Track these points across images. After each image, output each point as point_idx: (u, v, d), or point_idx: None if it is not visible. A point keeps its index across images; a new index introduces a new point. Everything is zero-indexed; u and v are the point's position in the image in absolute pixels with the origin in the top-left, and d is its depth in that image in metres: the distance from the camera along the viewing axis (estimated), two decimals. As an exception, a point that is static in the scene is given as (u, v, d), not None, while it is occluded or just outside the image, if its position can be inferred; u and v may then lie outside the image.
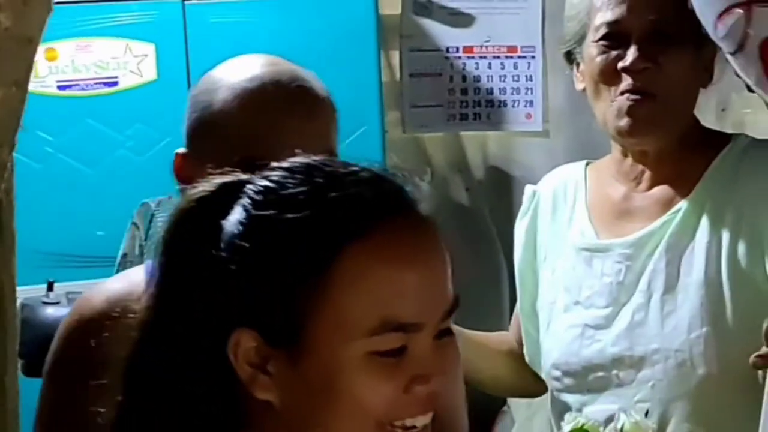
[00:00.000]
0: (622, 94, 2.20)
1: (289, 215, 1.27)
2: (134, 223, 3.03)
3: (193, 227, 1.31)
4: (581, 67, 2.30)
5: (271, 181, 1.31)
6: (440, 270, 1.33)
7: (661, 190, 2.21)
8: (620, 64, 2.19)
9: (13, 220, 1.93)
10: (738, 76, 2.17)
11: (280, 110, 1.92)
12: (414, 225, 1.31)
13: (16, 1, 1.44)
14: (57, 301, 2.87)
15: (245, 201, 1.29)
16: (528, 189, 2.50)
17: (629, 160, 2.28)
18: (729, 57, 2.13)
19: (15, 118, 1.52)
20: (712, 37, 2.13)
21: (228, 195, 1.32)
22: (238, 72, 1.94)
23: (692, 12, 2.15)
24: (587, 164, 2.45)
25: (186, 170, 1.93)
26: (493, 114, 4.08)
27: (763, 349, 1.92)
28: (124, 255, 3.02)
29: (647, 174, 2.25)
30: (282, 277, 1.25)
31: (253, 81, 1.90)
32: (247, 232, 1.27)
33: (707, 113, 4.07)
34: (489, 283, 3.87)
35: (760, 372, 1.99)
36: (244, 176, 1.35)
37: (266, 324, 1.26)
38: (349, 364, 1.25)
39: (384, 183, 1.33)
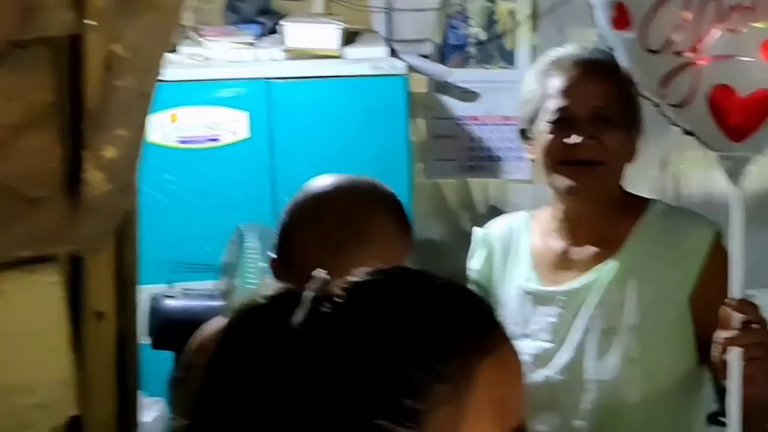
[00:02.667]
0: (568, 164, 2.10)
1: (413, 331, 0.99)
2: (231, 241, 3.09)
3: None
4: (532, 141, 2.19)
5: (372, 292, 1.01)
6: None
7: (594, 247, 2.10)
8: (568, 141, 2.09)
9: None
10: (675, 124, 2.09)
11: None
12: (507, 334, 1.06)
13: (139, 69, 1.38)
14: (175, 295, 3.02)
15: (342, 315, 0.99)
16: (477, 231, 2.35)
17: (565, 223, 2.17)
18: (672, 109, 2.05)
19: (138, 149, 1.48)
20: (654, 96, 2.06)
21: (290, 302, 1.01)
22: (308, 216, 1.73)
23: (626, 100, 2.14)
24: (529, 214, 2.32)
25: (279, 273, 1.75)
26: (492, 166, 4.18)
27: (722, 335, 1.87)
28: (224, 263, 3.09)
29: (583, 233, 2.14)
30: (412, 401, 0.95)
31: (316, 235, 1.68)
32: (363, 348, 0.97)
33: (652, 168, 4.18)
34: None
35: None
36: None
37: None
38: None
39: (477, 297, 1.08)
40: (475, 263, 2.30)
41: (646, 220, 2.12)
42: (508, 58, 4.11)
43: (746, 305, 1.92)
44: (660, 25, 1.97)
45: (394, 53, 3.76)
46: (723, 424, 2.09)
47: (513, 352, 1.05)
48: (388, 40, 3.91)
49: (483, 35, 4.14)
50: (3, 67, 1.38)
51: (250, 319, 1.02)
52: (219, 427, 0.98)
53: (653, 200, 2.19)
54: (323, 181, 1.80)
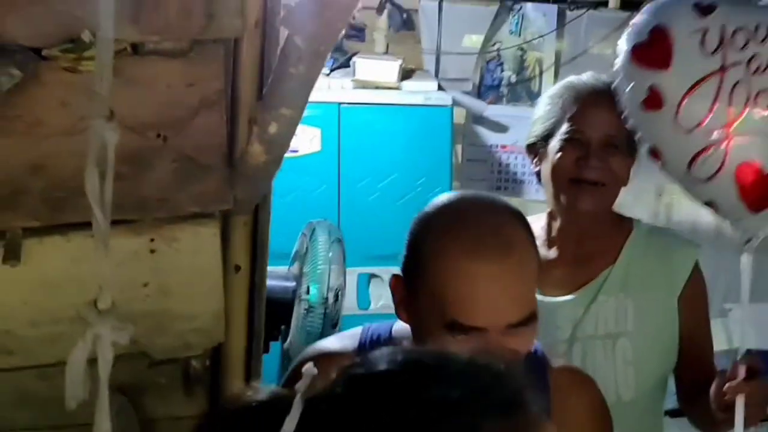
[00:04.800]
0: (576, 182, 2.01)
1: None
2: (303, 233, 3.16)
3: None
4: (539, 156, 2.08)
5: (372, 385, 0.78)
6: None
7: (590, 259, 2.03)
8: (581, 163, 2.00)
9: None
10: (694, 196, 1.96)
11: (480, 275, 1.36)
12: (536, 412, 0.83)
13: (311, 57, 1.37)
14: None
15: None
16: None
17: (563, 235, 2.07)
18: (696, 183, 1.90)
19: (295, 127, 1.49)
20: (678, 172, 1.89)
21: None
22: (448, 224, 1.41)
23: (630, 130, 2.00)
24: None
25: (398, 292, 1.48)
26: (516, 187, 4.19)
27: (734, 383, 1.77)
28: (296, 252, 3.17)
29: (579, 246, 2.06)
30: None
31: (457, 241, 1.37)
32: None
33: (649, 195, 4.14)
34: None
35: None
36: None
37: None
38: None
39: (497, 379, 0.82)
40: None
41: (635, 237, 2.05)
42: (534, 98, 4.02)
43: (753, 359, 1.85)
44: (693, 107, 1.86)
45: (441, 88, 3.79)
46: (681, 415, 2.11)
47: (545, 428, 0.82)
48: (437, 78, 3.95)
49: (514, 78, 4.16)
50: (187, 60, 1.46)
51: (240, 426, 0.79)
52: None
53: (636, 220, 2.11)
54: (454, 196, 1.52)
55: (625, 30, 1.93)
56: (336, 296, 3.08)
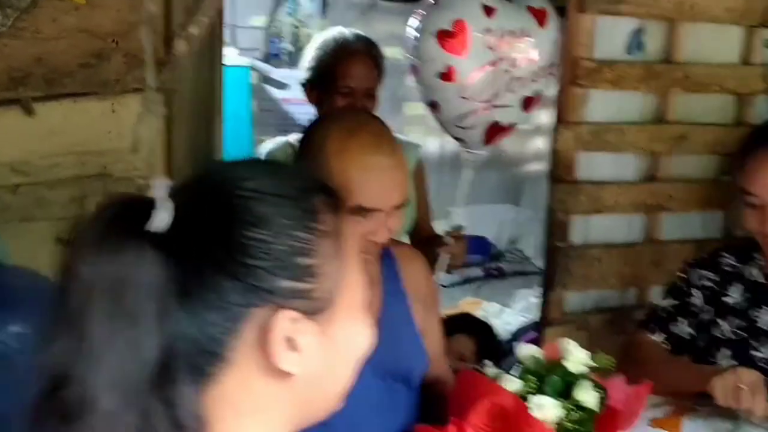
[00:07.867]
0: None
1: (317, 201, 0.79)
2: None
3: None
4: (315, 95, 2.27)
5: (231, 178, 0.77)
6: None
7: None
8: (349, 108, 2.16)
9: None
10: (453, 135, 2.13)
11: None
12: None
13: None
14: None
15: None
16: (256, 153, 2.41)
17: None
18: (457, 128, 2.08)
19: (203, 31, 1.78)
20: (449, 122, 2.08)
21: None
22: (346, 129, 1.43)
23: (381, 75, 2.25)
24: (287, 138, 2.42)
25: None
26: (296, 129, 3.28)
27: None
28: None
29: None
30: (306, 259, 0.76)
31: (357, 141, 1.40)
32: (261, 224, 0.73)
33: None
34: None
35: None
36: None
37: (306, 299, 0.76)
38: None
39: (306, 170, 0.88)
40: None
41: None
42: (307, 62, 4.56)
43: (456, 232, 2.17)
44: (475, 85, 2.06)
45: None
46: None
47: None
48: (235, 47, 4.38)
49: (291, 48, 4.60)
50: None
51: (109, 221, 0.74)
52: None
53: None
54: (341, 113, 1.71)
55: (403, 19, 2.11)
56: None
